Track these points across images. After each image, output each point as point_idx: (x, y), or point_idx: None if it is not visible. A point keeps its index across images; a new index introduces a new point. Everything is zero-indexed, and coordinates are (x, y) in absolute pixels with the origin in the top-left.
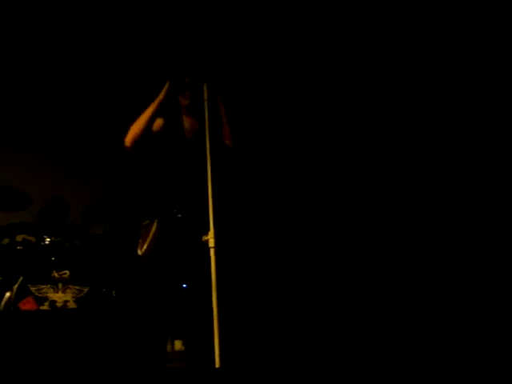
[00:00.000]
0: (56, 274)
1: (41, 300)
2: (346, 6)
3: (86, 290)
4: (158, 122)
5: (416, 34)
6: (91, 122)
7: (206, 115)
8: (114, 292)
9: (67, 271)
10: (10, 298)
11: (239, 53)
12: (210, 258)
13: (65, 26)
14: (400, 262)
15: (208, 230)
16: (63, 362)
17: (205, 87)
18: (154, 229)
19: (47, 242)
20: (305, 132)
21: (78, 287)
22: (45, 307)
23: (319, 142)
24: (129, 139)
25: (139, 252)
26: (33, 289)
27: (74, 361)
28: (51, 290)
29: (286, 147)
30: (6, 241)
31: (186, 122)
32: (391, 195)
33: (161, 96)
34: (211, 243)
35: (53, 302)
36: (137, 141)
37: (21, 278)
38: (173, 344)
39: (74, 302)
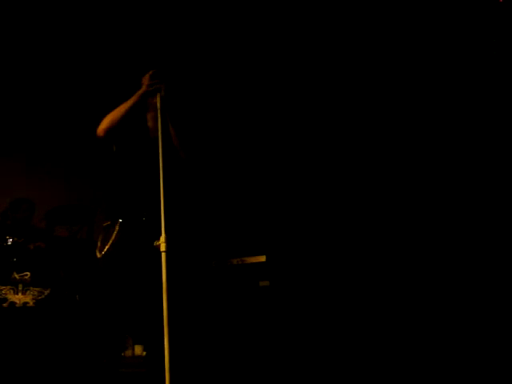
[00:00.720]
0: (17, 276)
1: None
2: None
3: (46, 292)
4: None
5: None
6: (59, 123)
7: (159, 124)
8: (77, 296)
9: (28, 273)
10: None
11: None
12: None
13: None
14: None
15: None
16: (16, 363)
17: (158, 96)
18: (116, 231)
19: (9, 243)
20: (260, 139)
21: (38, 289)
22: None
23: (274, 150)
24: (102, 127)
25: (98, 254)
26: None
27: (27, 361)
28: (11, 291)
29: (239, 155)
30: None
31: (150, 121)
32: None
33: (143, 87)
34: (163, 248)
35: (12, 304)
36: (110, 130)
37: None
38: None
39: (34, 303)
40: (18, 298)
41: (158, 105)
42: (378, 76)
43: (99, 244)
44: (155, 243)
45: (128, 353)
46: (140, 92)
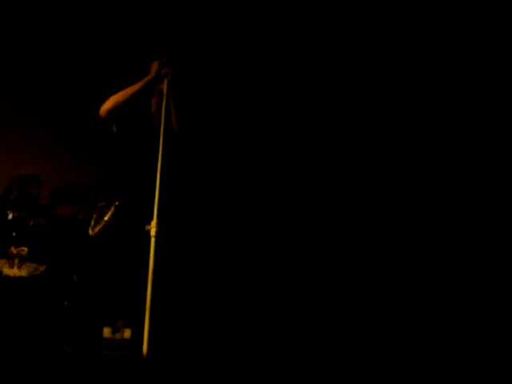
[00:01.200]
0: (14, 250)
1: None
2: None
3: (42, 268)
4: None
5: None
6: (72, 99)
7: (163, 109)
8: (74, 276)
9: (25, 248)
10: None
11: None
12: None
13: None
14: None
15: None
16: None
17: (165, 82)
18: (110, 212)
19: (10, 218)
20: (257, 130)
21: (34, 265)
22: None
23: (270, 140)
24: (105, 108)
25: (90, 232)
26: None
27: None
28: (6, 265)
29: (236, 145)
30: None
31: (154, 106)
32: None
33: (152, 73)
34: (153, 232)
35: (6, 277)
36: (113, 111)
37: None
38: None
39: (28, 279)
40: (13, 272)
41: (165, 90)
42: (378, 76)
43: (92, 223)
44: (146, 227)
45: (118, 336)
46: (148, 78)
